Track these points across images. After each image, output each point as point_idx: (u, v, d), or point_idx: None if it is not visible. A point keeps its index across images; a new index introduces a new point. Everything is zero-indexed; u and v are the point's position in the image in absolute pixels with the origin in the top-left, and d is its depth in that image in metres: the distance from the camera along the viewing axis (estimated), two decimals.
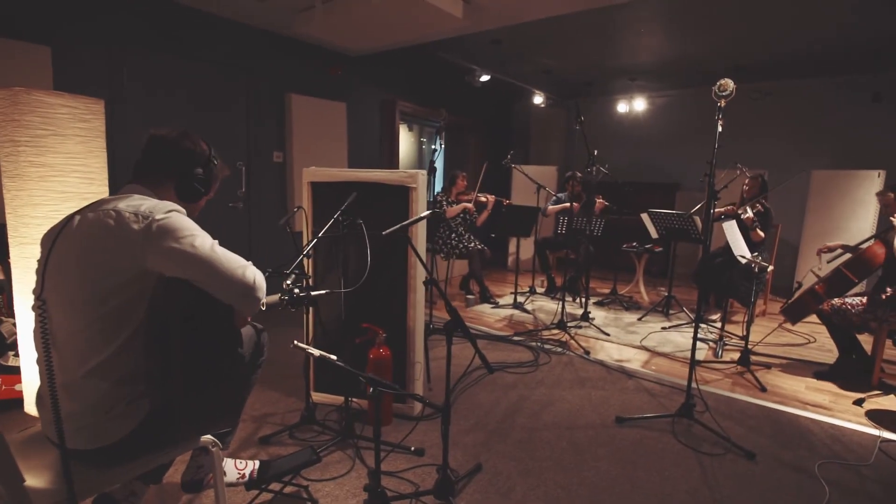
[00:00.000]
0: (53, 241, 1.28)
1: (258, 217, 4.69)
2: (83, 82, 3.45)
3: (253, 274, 1.36)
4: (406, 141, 7.47)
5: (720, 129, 2.51)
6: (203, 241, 1.29)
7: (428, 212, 1.99)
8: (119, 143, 3.29)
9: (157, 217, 1.26)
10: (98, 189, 2.39)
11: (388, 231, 1.70)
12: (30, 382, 2.34)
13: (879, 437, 2.55)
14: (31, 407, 2.39)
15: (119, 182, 1.53)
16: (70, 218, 1.32)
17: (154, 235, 1.24)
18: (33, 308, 1.28)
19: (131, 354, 1.28)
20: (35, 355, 1.41)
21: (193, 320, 1.31)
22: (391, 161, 6.07)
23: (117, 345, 1.25)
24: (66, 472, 1.16)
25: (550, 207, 5.45)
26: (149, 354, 1.31)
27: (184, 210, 1.36)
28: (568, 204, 5.26)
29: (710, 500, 2.01)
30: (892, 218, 2.99)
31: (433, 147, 7.50)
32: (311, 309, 2.64)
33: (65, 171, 2.19)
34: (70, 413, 1.23)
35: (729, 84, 2.47)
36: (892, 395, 3.00)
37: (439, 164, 7.73)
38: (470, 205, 4.97)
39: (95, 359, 1.24)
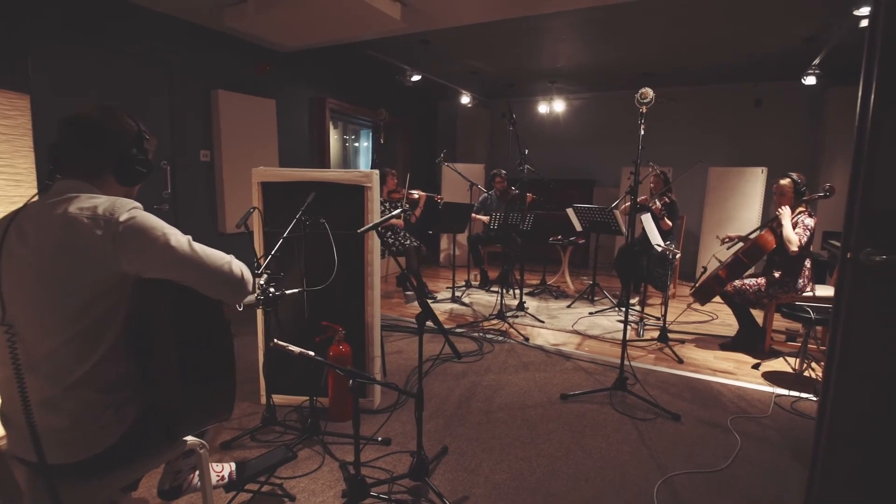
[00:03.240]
0: None
1: (187, 218, 4.46)
2: None
3: (239, 267, 1.34)
4: (331, 138, 7.38)
5: (643, 132, 2.82)
6: (178, 239, 1.23)
7: (399, 209, 2.08)
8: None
9: (121, 219, 1.17)
10: (27, 192, 2.24)
11: (363, 229, 1.78)
12: None
13: (773, 393, 3.02)
14: None
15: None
16: (5, 231, 1.21)
17: (123, 239, 1.17)
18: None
19: (114, 361, 1.24)
20: None
21: (184, 314, 1.28)
22: (322, 159, 6.00)
23: (101, 353, 1.21)
24: (51, 491, 1.11)
25: (473, 215, 5.57)
26: (129, 359, 1.29)
27: (140, 205, 1.27)
28: (487, 218, 5.41)
29: (650, 457, 2.29)
30: (777, 210, 3.50)
31: (373, 146, 7.45)
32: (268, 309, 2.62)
33: None
34: (51, 428, 1.17)
35: (649, 93, 2.78)
36: (780, 359, 3.53)
37: (368, 162, 7.72)
38: (399, 221, 5.15)
39: (79, 371, 1.19)
